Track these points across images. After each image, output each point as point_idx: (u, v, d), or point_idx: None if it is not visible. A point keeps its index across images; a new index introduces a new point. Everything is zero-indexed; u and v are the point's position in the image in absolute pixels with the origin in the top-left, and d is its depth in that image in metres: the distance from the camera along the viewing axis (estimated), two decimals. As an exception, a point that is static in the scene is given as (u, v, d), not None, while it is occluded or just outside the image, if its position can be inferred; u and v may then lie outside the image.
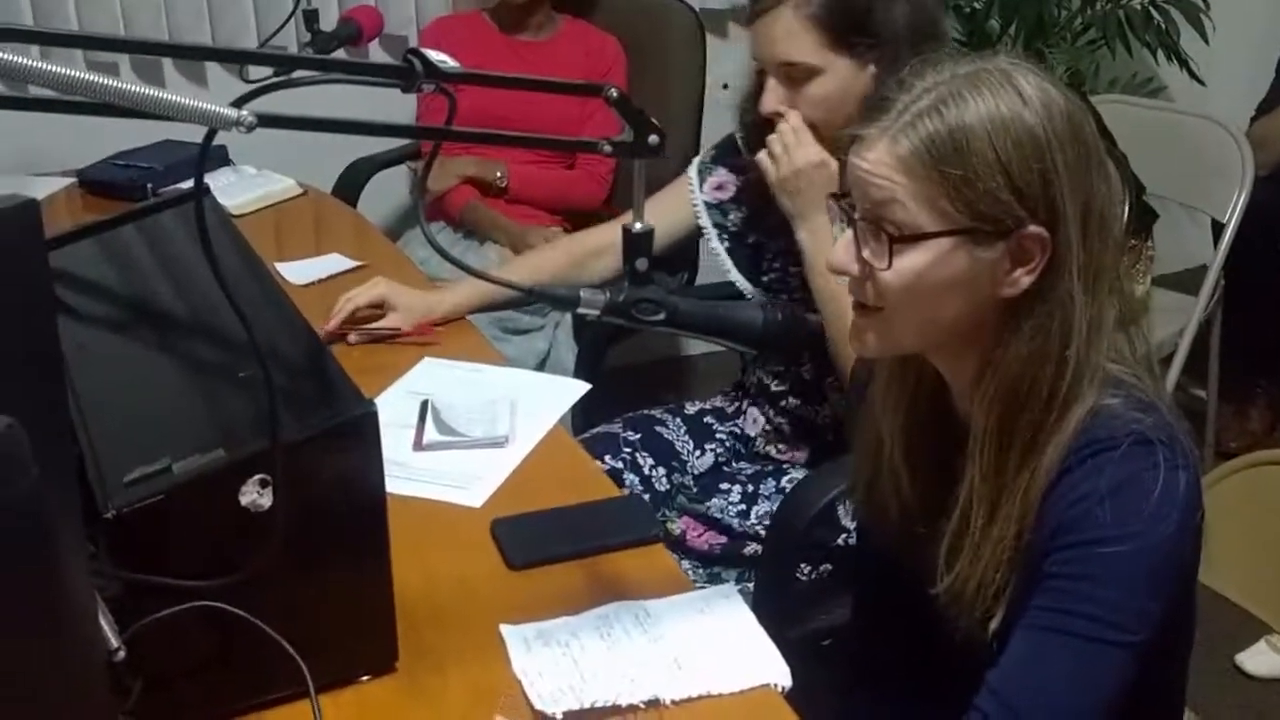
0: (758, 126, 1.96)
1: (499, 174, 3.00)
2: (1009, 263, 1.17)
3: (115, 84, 0.98)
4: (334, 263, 2.32)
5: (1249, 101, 3.44)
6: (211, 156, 2.67)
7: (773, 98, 1.88)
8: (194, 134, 1.03)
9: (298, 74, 1.20)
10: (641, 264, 1.19)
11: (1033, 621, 1.16)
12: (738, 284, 2.13)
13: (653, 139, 1.17)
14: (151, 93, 0.96)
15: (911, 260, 1.17)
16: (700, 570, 2.08)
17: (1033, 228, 1.15)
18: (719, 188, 2.14)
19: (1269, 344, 3.48)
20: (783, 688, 1.29)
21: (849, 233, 1.22)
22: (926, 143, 1.15)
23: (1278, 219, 3.23)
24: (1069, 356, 1.17)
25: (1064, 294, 1.17)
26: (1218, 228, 3.02)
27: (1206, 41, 3.55)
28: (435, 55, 1.09)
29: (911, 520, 1.30)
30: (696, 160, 2.19)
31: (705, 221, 2.13)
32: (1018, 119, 1.15)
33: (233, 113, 0.96)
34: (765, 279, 2.11)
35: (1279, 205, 3.15)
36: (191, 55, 3.09)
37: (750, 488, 2.09)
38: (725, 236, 2.13)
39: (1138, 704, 1.30)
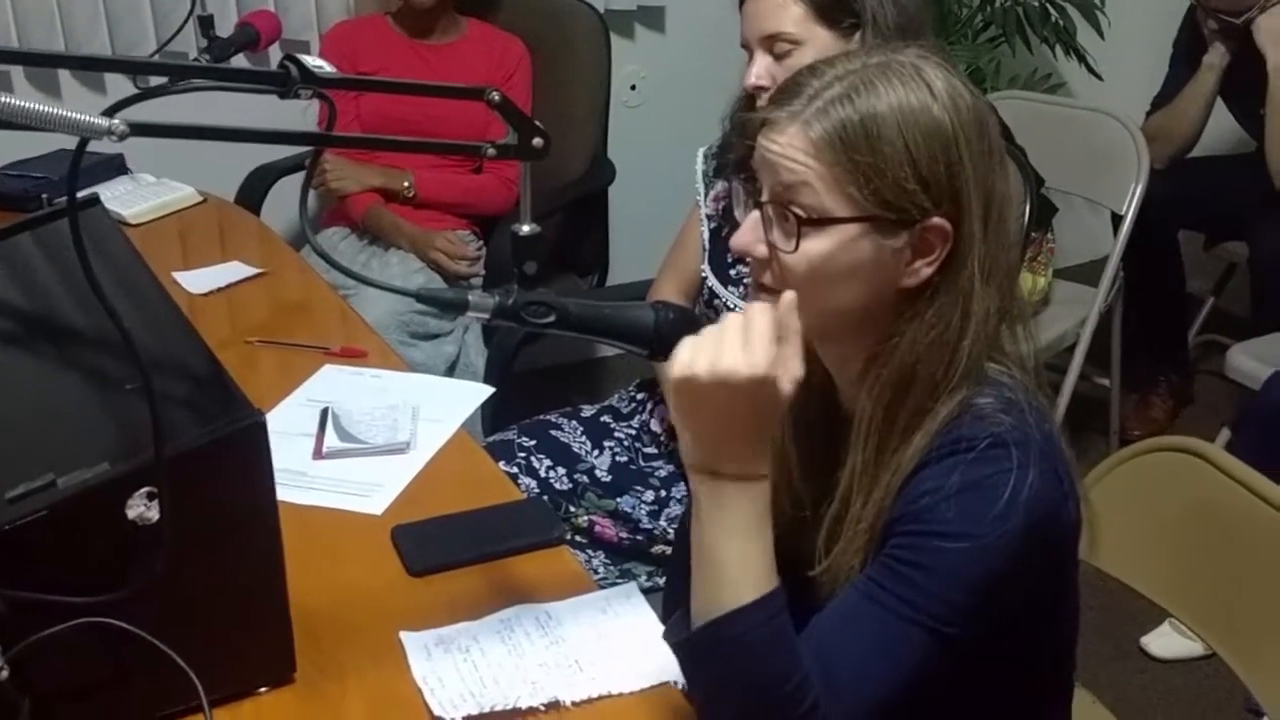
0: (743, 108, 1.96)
1: (406, 184, 2.98)
2: (910, 253, 1.19)
3: (-18, 95, 0.96)
4: (233, 271, 2.29)
5: (1145, 95, 3.51)
6: (107, 165, 2.64)
7: (755, 71, 1.91)
8: (91, 144, 1.02)
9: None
10: (530, 267, 1.19)
11: (859, 587, 1.18)
12: (708, 280, 2.12)
13: (537, 141, 1.17)
14: (18, 103, 0.94)
15: (818, 244, 1.18)
16: (612, 567, 2.08)
17: (936, 219, 1.17)
18: (716, 200, 2.14)
19: (1168, 334, 3.56)
20: (683, 685, 1.29)
21: (755, 214, 1.23)
22: (838, 129, 1.16)
23: (1173, 211, 3.31)
24: (963, 348, 1.19)
25: (965, 284, 1.19)
26: (1117, 220, 3.08)
27: (1102, 37, 3.62)
28: (312, 61, 1.08)
29: (799, 506, 1.32)
30: (700, 168, 2.17)
31: (705, 231, 2.14)
32: (926, 111, 1.16)
33: (104, 122, 0.94)
34: (733, 272, 2.10)
35: (1175, 198, 3.22)
36: (52, 64, 2.99)
37: (664, 491, 2.10)
38: (710, 233, 2.14)
39: (1031, 696, 1.32)
